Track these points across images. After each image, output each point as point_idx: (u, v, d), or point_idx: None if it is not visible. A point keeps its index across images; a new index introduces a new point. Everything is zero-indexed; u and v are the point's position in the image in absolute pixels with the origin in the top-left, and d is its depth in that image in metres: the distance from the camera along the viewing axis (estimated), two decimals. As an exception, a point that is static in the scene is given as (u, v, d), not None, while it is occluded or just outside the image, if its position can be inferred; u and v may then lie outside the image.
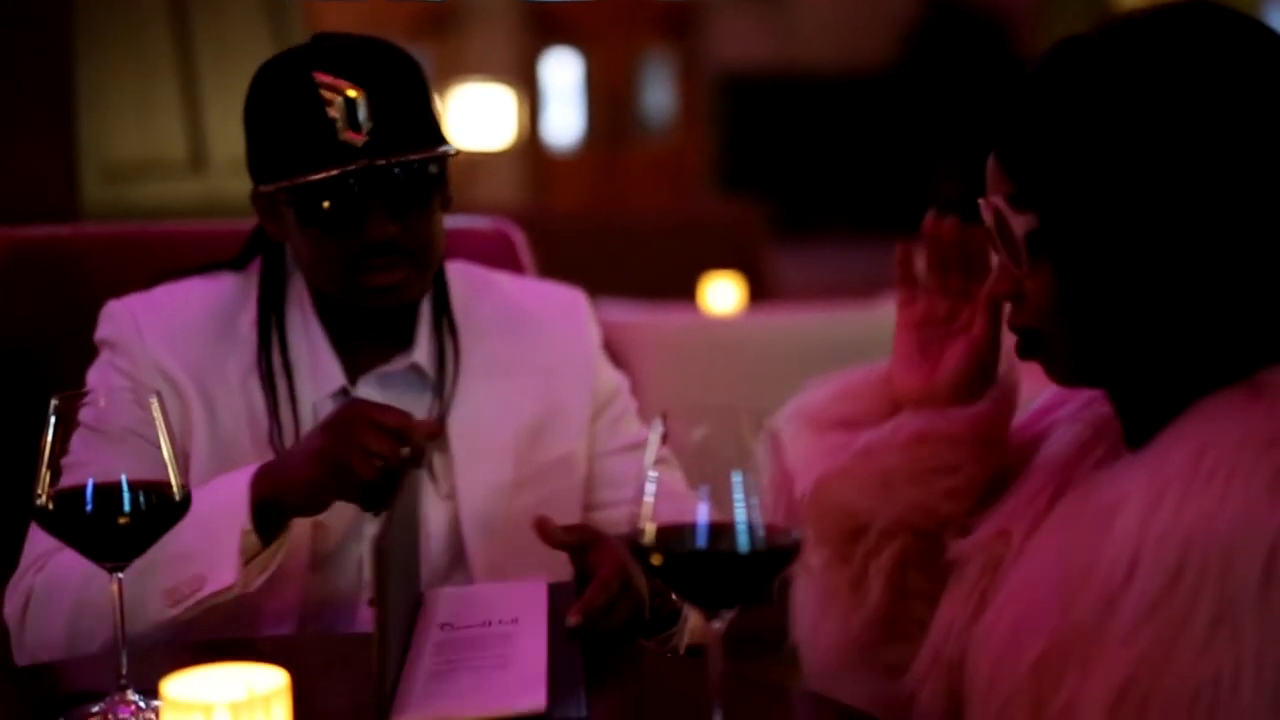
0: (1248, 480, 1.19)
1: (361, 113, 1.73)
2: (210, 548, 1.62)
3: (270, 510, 1.65)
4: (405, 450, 1.60)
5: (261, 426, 1.83)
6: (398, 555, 1.48)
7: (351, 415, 1.62)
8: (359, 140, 1.73)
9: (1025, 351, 1.40)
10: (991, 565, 1.41)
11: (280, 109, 1.76)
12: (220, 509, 1.62)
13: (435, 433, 1.64)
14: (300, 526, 1.73)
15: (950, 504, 1.46)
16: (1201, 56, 1.29)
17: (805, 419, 1.53)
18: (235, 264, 1.92)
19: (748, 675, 1.51)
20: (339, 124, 1.73)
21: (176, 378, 1.81)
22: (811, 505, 1.49)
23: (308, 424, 1.83)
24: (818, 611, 1.53)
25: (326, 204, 1.75)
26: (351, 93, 1.73)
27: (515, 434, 1.89)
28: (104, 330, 1.86)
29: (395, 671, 1.44)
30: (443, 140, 1.80)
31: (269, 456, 1.78)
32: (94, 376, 1.84)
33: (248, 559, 1.64)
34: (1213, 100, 1.28)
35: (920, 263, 1.53)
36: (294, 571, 1.76)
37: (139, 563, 1.50)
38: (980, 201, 1.40)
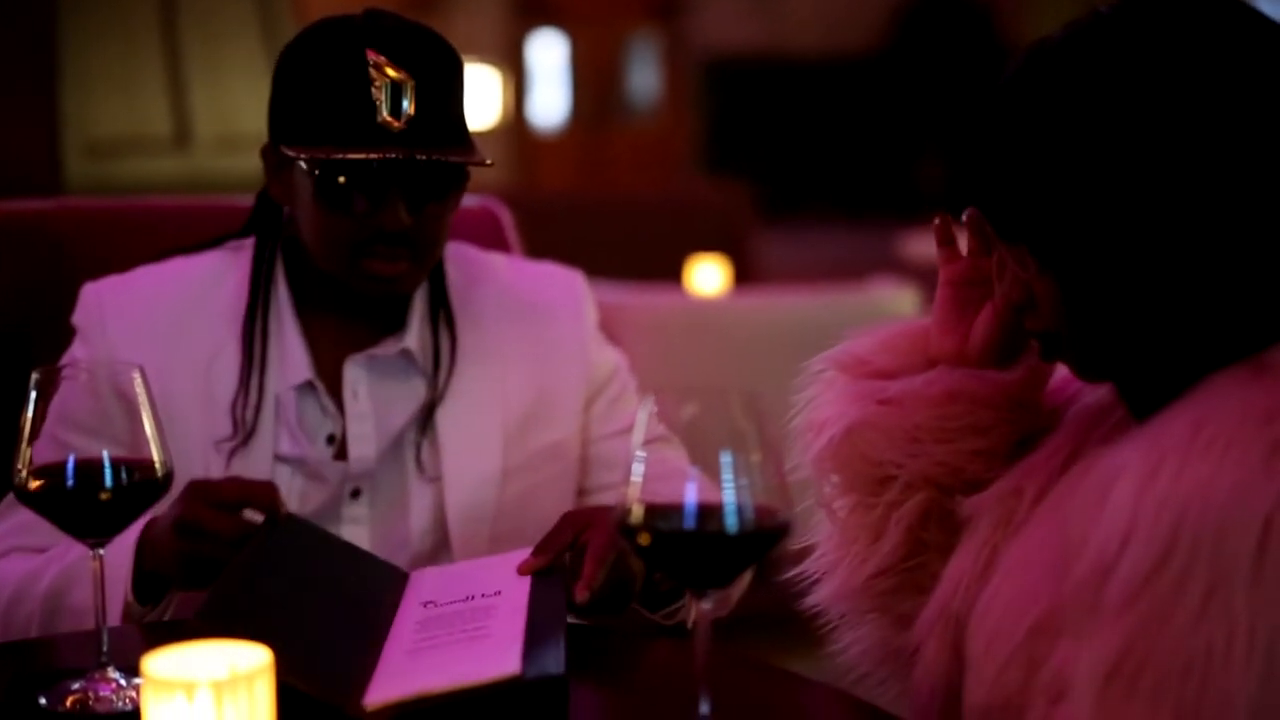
0: (1244, 453, 1.19)
1: (405, 100, 1.71)
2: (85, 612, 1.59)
3: (154, 579, 1.66)
4: (253, 516, 1.60)
5: (218, 411, 1.81)
6: (259, 604, 1.48)
7: (193, 510, 1.60)
8: (396, 126, 1.70)
9: (1048, 354, 1.41)
10: (1003, 522, 1.41)
11: (325, 76, 1.73)
12: (110, 573, 1.55)
13: (276, 499, 1.63)
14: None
15: (976, 464, 1.46)
16: (1167, 48, 1.29)
17: (842, 366, 1.53)
18: (240, 234, 1.90)
19: (738, 656, 1.50)
20: (381, 106, 1.70)
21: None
22: (841, 451, 1.49)
23: (268, 412, 1.82)
24: (835, 553, 1.53)
25: (349, 183, 1.73)
26: (400, 78, 1.71)
27: (504, 424, 1.88)
28: (76, 314, 1.85)
29: (339, 665, 1.42)
30: (474, 146, 1.78)
31: (222, 435, 1.79)
32: (63, 361, 1.83)
33: (137, 620, 1.65)
34: (1185, 92, 1.27)
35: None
36: None
37: (49, 605, 1.61)
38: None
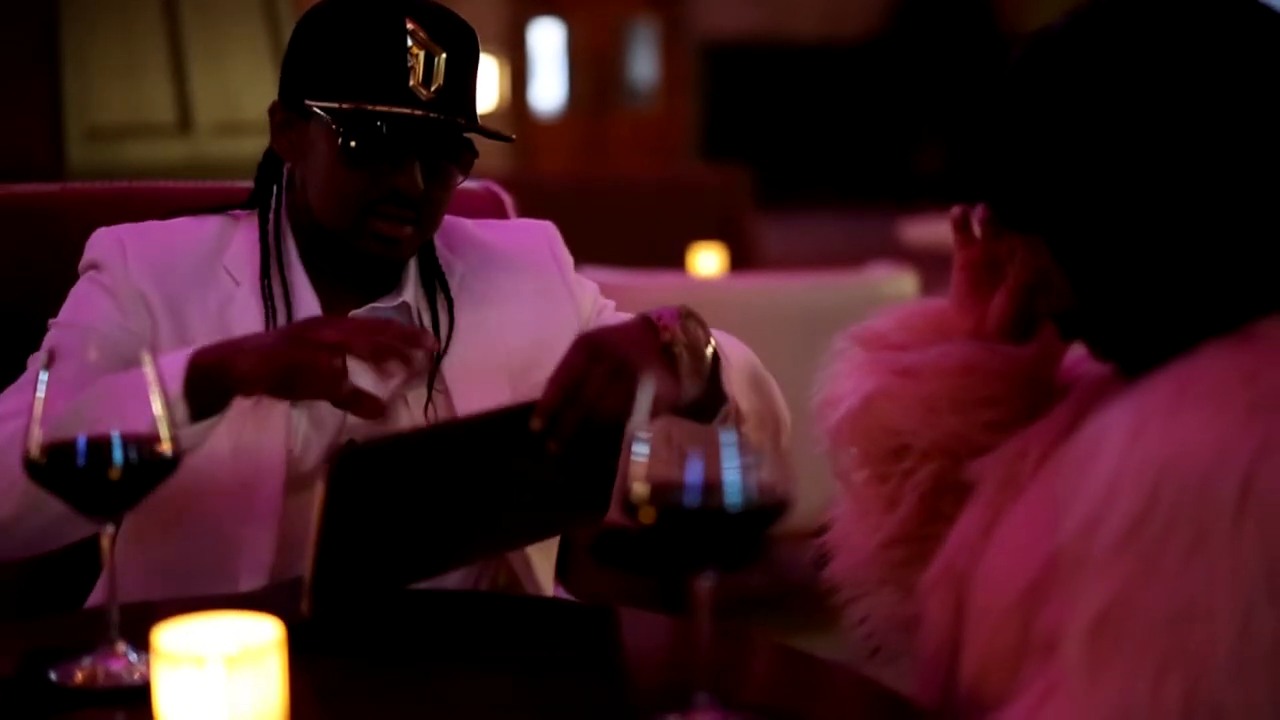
0: (1225, 412, 1.21)
1: (437, 72, 1.76)
2: (132, 408, 1.48)
3: (212, 381, 1.61)
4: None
5: None
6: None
7: (315, 329, 1.62)
8: (425, 95, 1.76)
9: (1066, 334, 1.43)
10: (1007, 484, 1.43)
11: (363, 36, 1.77)
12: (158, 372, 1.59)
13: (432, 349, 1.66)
14: (273, 456, 1.76)
15: (988, 436, 1.48)
16: (1167, 33, 1.31)
17: (862, 342, 1.56)
18: (247, 202, 1.92)
19: (741, 633, 1.52)
20: (414, 73, 1.75)
21: (153, 304, 1.81)
22: (859, 422, 1.52)
23: None
24: (851, 524, 1.56)
25: (373, 140, 1.76)
26: (435, 50, 1.77)
27: (509, 365, 1.91)
28: (91, 253, 1.86)
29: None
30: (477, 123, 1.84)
31: None
32: (78, 291, 1.84)
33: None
34: (1187, 78, 1.29)
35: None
36: (268, 506, 1.77)
37: (67, 415, 1.46)
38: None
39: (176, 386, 1.59)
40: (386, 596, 1.59)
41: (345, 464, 1.44)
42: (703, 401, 1.65)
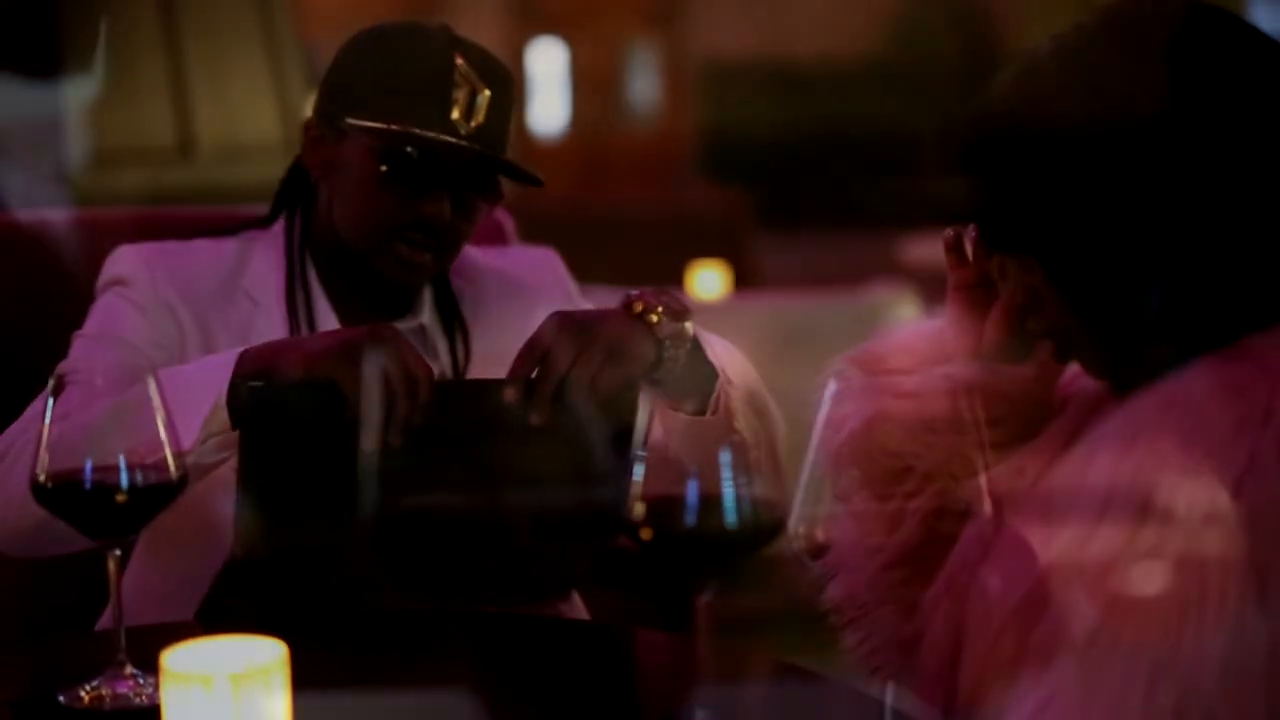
0: (1214, 425, 1.23)
1: (479, 109, 1.81)
2: (176, 410, 1.50)
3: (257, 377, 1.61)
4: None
5: None
6: None
7: (397, 339, 1.61)
8: (465, 129, 1.80)
9: (1060, 355, 1.45)
10: (1006, 499, 1.44)
11: (413, 65, 1.82)
12: (203, 374, 1.62)
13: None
14: None
15: (990, 456, 1.49)
16: (1152, 57, 1.33)
17: (861, 365, 1.58)
18: (270, 215, 1.95)
19: (742, 650, 1.53)
20: (458, 106, 1.80)
21: (181, 316, 1.84)
22: (860, 445, 1.53)
23: None
24: (850, 545, 1.56)
25: (409, 165, 1.80)
26: (479, 88, 1.81)
27: None
28: (115, 269, 1.88)
29: None
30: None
31: None
32: (104, 305, 1.85)
33: (209, 436, 1.60)
34: (1173, 99, 1.31)
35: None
36: None
37: (110, 415, 1.46)
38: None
39: (222, 384, 1.61)
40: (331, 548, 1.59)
41: (254, 400, 1.44)
42: (693, 379, 1.69)
